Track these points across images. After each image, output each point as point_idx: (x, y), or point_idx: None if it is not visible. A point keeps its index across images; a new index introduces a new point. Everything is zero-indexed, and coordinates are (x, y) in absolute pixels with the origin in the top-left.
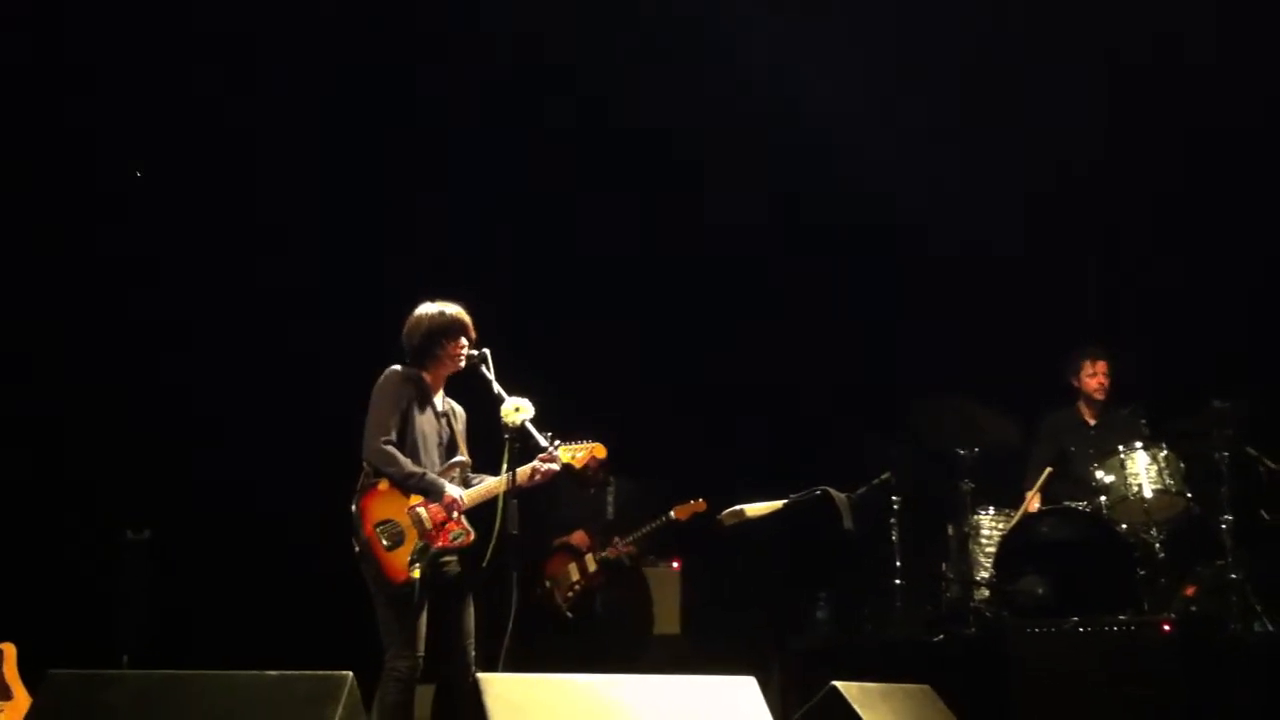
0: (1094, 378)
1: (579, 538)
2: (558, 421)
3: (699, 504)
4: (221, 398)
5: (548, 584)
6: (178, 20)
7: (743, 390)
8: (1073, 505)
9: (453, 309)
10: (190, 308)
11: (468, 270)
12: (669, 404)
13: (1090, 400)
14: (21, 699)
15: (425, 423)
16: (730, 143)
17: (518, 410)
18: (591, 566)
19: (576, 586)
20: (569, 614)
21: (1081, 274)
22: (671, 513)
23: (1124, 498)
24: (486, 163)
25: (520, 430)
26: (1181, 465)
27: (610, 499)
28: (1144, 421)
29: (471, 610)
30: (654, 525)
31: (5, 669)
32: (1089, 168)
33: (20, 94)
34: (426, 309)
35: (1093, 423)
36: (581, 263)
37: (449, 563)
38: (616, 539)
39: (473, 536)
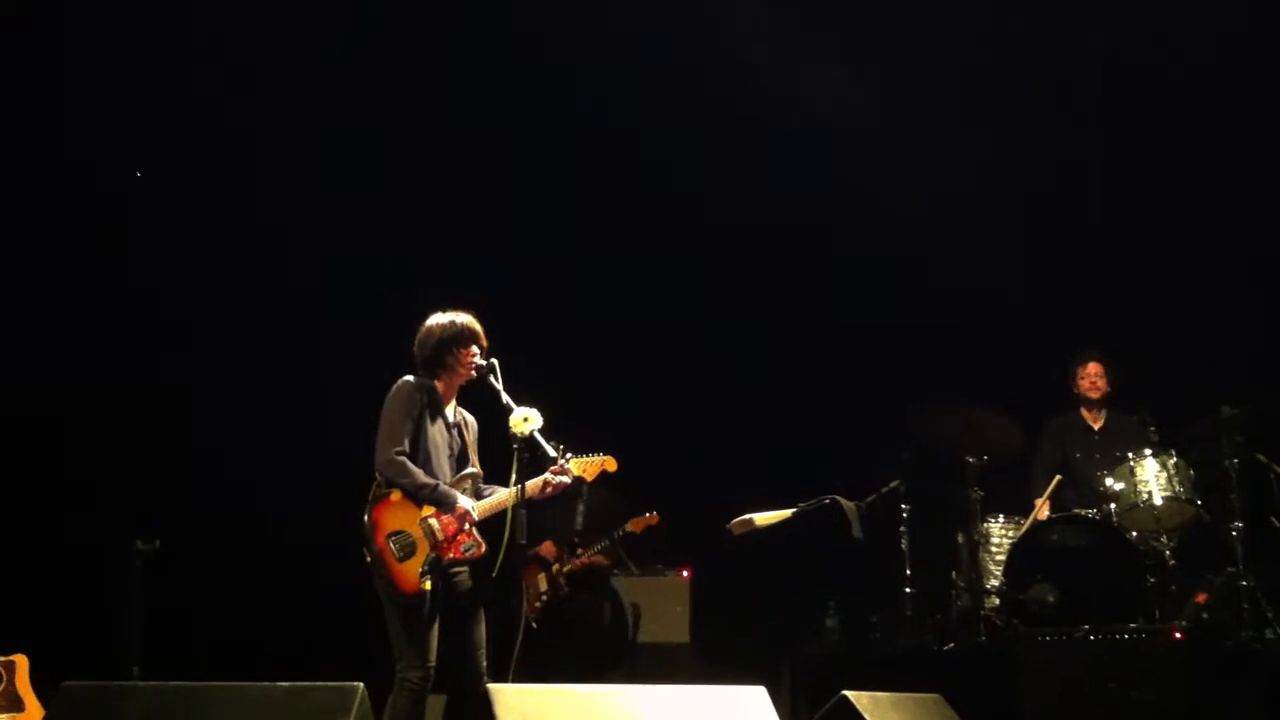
0: (1084, 379)
1: (547, 549)
2: (551, 425)
3: (652, 517)
4: (227, 402)
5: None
6: (178, 20)
7: (743, 393)
8: (1082, 513)
9: (464, 318)
10: (190, 308)
11: (467, 270)
12: (667, 407)
13: (1088, 403)
14: (34, 710)
15: (437, 433)
16: (730, 143)
17: (526, 420)
18: (560, 578)
19: (544, 598)
20: (534, 624)
21: (1082, 275)
22: (626, 526)
23: (1134, 505)
24: (487, 163)
25: (529, 440)
26: (1191, 472)
27: (580, 509)
28: (1153, 428)
29: (483, 621)
30: (611, 538)
31: (17, 680)
32: (1089, 168)
33: (20, 94)
34: (437, 319)
35: (1096, 427)
36: (581, 263)
37: (460, 574)
38: (580, 551)
39: (484, 548)
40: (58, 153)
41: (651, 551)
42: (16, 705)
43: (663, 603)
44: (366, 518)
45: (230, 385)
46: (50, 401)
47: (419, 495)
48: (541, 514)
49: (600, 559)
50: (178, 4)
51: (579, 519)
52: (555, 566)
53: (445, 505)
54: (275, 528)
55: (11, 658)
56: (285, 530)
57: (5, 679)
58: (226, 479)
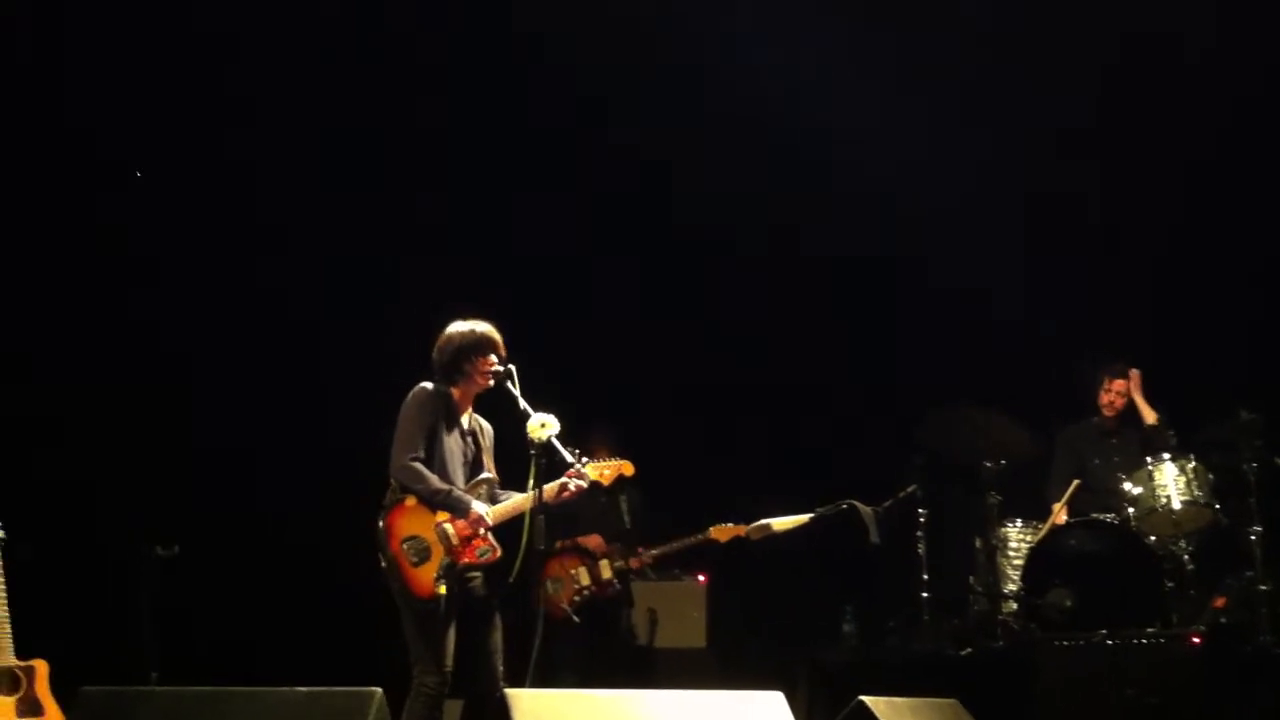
0: (1106, 394)
1: (595, 542)
2: (566, 430)
3: (740, 528)
4: (227, 402)
5: (549, 585)
6: (178, 20)
7: (747, 396)
8: (1100, 517)
9: (483, 327)
10: (190, 308)
11: (467, 271)
12: (672, 412)
13: (1101, 415)
14: (54, 715)
15: (452, 440)
16: (730, 143)
17: (544, 426)
18: (606, 574)
19: (586, 591)
20: (575, 617)
21: (1082, 275)
22: (710, 532)
23: (1152, 509)
24: (487, 163)
25: (546, 446)
26: (1210, 476)
27: (624, 508)
28: (1171, 432)
29: (499, 626)
30: (688, 542)
31: (37, 686)
32: (1093, 165)
33: (20, 93)
34: (457, 327)
35: (1113, 432)
36: (581, 263)
37: (476, 579)
38: (641, 550)
39: (499, 553)
40: (58, 152)
41: (672, 556)
42: (36, 710)
43: (679, 608)
44: (381, 523)
45: (230, 385)
46: (50, 401)
47: (433, 501)
48: (584, 509)
49: (650, 560)
50: (178, 4)
51: (626, 518)
52: (604, 561)
53: (459, 510)
54: (288, 531)
55: (31, 663)
56: (299, 533)
57: (25, 684)
58: (233, 481)
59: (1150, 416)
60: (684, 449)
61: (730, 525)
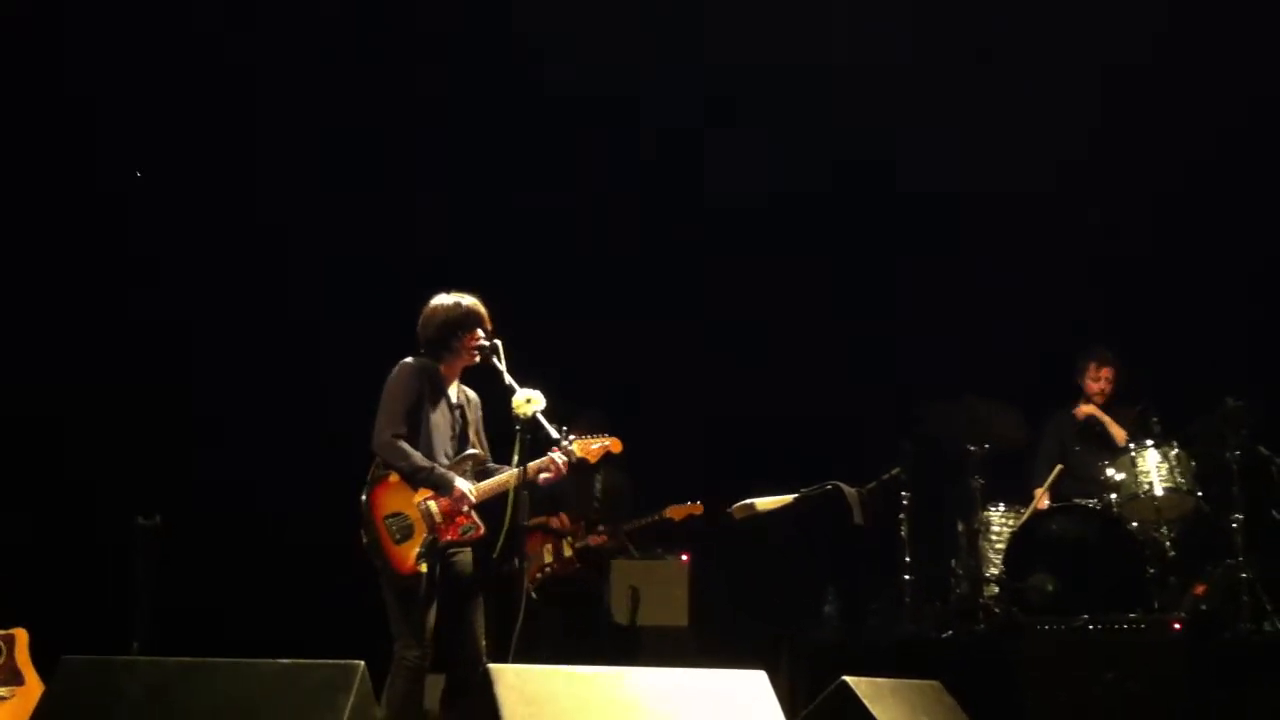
0: (1096, 382)
1: (561, 521)
2: (555, 413)
3: (695, 506)
4: (225, 391)
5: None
6: (178, 19)
7: (748, 396)
8: (1083, 503)
9: (469, 300)
10: (189, 307)
11: (467, 267)
12: (672, 411)
13: (1091, 402)
14: (33, 684)
15: (438, 416)
16: (730, 139)
17: (529, 401)
18: (568, 551)
19: (548, 569)
20: (533, 595)
21: (1081, 270)
22: (666, 511)
23: (1134, 495)
24: (488, 163)
25: (532, 421)
26: (1193, 464)
27: (598, 486)
28: (1155, 419)
29: (482, 602)
30: (645, 521)
31: (17, 654)
32: (1088, 167)
33: (18, 94)
34: (442, 300)
35: (1097, 422)
36: (582, 258)
37: (460, 554)
38: (601, 528)
39: (483, 530)
40: (58, 153)
41: (652, 534)
42: (16, 679)
43: (661, 586)
44: (365, 499)
45: (230, 385)
46: (50, 401)
47: (415, 478)
48: (555, 486)
49: (606, 540)
50: (178, 3)
51: (597, 496)
52: (568, 540)
53: (442, 488)
54: (275, 508)
55: (11, 631)
56: (285, 511)
57: (5, 653)
58: (227, 472)
59: (1121, 439)
60: (683, 448)
61: (687, 504)
